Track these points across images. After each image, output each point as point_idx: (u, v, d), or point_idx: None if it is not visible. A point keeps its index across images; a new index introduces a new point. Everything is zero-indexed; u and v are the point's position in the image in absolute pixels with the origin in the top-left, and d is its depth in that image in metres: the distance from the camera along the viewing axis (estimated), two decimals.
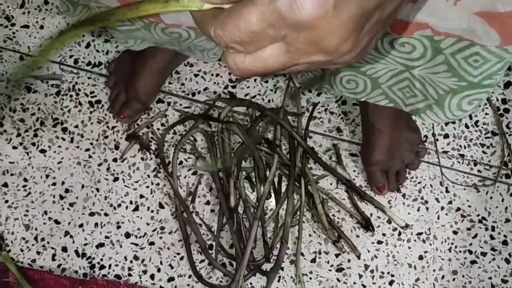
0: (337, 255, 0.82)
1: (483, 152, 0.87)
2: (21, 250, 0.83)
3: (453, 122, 0.88)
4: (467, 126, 0.88)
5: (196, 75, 0.90)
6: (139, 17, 0.29)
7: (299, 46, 0.25)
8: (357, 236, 0.83)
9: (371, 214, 0.84)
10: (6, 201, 0.85)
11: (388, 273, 0.82)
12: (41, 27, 0.92)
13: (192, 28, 0.55)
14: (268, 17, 0.24)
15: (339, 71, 0.55)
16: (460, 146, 0.87)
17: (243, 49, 0.26)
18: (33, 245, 0.83)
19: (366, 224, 0.83)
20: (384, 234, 0.83)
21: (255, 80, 0.89)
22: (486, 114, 0.88)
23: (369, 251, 0.83)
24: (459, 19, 0.41)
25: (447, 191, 0.85)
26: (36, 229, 0.84)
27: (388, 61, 0.50)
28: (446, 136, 0.87)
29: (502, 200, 0.85)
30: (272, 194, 0.83)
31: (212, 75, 0.90)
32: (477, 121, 0.88)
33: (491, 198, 0.85)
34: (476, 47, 0.44)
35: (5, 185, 0.86)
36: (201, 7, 0.28)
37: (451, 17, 0.41)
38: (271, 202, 0.84)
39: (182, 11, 0.28)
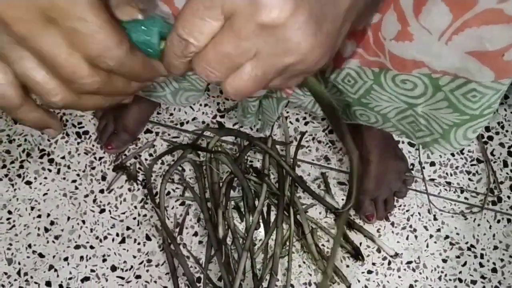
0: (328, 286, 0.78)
1: (469, 179, 0.85)
2: (3, 286, 0.78)
3: None
4: (452, 154, 0.86)
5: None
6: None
7: (269, 50, 0.26)
8: (347, 266, 0.80)
9: (360, 243, 0.80)
10: None
11: None
12: None
13: None
14: (237, 31, 0.25)
15: (351, 105, 0.54)
16: (447, 173, 0.85)
17: (223, 70, 0.27)
18: (15, 280, 0.78)
19: (356, 254, 0.79)
20: (374, 264, 0.80)
21: None
22: (471, 142, 0.86)
23: (359, 281, 0.79)
24: (452, 58, 0.41)
25: (435, 219, 0.83)
26: (19, 263, 0.79)
27: (392, 99, 0.50)
28: (432, 164, 0.85)
29: (490, 227, 0.82)
30: (261, 224, 0.80)
31: (200, 105, 0.87)
32: (462, 149, 0.86)
33: (478, 225, 0.82)
34: (472, 84, 0.43)
35: None
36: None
37: (444, 56, 0.41)
38: (260, 233, 0.80)
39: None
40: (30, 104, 0.29)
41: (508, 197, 0.84)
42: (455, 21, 0.37)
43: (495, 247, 0.81)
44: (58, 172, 0.83)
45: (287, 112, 0.87)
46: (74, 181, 0.83)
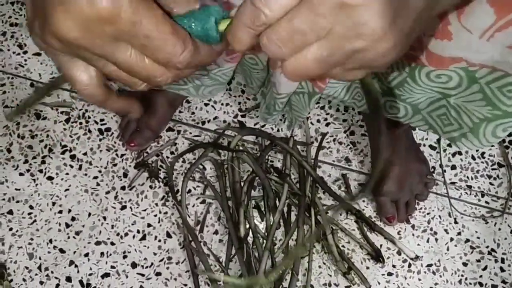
0: (347, 287, 0.77)
1: (490, 183, 0.84)
2: (24, 280, 0.77)
3: (460, 153, 0.85)
4: (473, 158, 0.85)
5: (206, 104, 0.87)
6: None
7: (341, 31, 0.25)
8: (367, 267, 0.79)
9: (381, 245, 0.80)
10: (11, 229, 0.80)
11: None
12: None
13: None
14: (314, 8, 0.24)
15: (382, 95, 0.53)
16: (468, 177, 0.84)
17: (292, 46, 0.26)
18: (36, 274, 0.78)
19: (376, 256, 0.78)
20: (394, 266, 0.79)
21: None
22: (492, 146, 0.86)
23: (379, 283, 0.78)
24: (492, 52, 0.40)
25: (455, 222, 0.82)
26: (40, 258, 0.78)
27: (426, 90, 0.49)
28: (453, 167, 0.84)
29: (511, 232, 0.81)
30: (282, 224, 0.79)
31: (222, 104, 0.87)
32: (483, 153, 0.85)
33: (499, 229, 0.81)
34: (510, 78, 0.43)
35: (10, 212, 0.81)
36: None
37: (484, 51, 0.40)
38: (280, 232, 0.79)
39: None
40: (113, 97, 0.33)
41: None
42: (499, 21, 0.37)
43: None
44: (80, 168, 0.83)
45: (308, 113, 0.86)
46: (95, 177, 0.83)
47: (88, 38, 0.27)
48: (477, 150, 0.85)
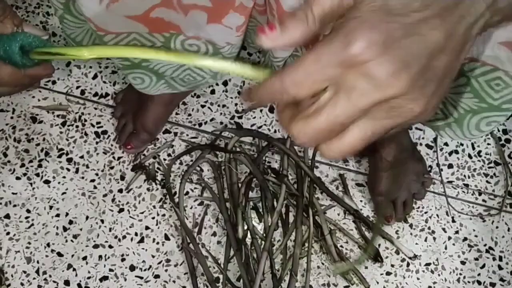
0: (346, 287, 0.77)
1: (487, 181, 0.84)
2: (22, 284, 0.77)
3: (457, 152, 0.85)
4: (470, 156, 0.85)
5: (203, 106, 0.86)
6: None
7: (356, 85, 0.25)
8: (366, 267, 0.79)
9: (379, 245, 0.79)
10: (8, 233, 0.79)
11: None
12: None
13: (210, 42, 0.52)
14: (326, 63, 0.25)
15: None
16: (464, 176, 0.84)
17: (328, 137, 0.27)
18: (34, 278, 0.77)
19: (375, 255, 0.78)
20: (392, 265, 0.79)
21: (261, 110, 0.86)
22: (488, 144, 0.86)
23: (378, 283, 0.78)
24: (483, 47, 0.40)
25: (453, 221, 0.82)
26: (38, 262, 0.78)
27: None
28: (450, 166, 0.84)
29: (508, 230, 0.81)
30: (280, 225, 0.79)
31: (218, 105, 0.87)
32: (479, 151, 0.85)
33: (497, 227, 0.81)
34: (499, 72, 0.43)
35: (7, 216, 0.80)
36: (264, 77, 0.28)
37: (475, 45, 0.40)
38: (278, 233, 0.79)
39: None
40: None
41: None
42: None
43: None
44: (77, 171, 0.83)
45: None
46: (92, 180, 0.82)
47: None
48: (473, 148, 0.85)
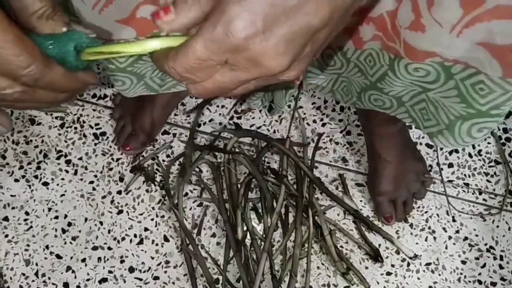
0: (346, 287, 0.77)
1: (487, 181, 0.83)
2: (21, 286, 0.76)
3: (457, 151, 0.84)
4: (470, 155, 0.84)
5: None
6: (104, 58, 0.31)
7: (240, 65, 0.28)
8: (366, 267, 0.78)
9: (379, 245, 0.79)
10: (6, 236, 0.79)
11: None
12: None
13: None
14: (209, 46, 0.27)
15: (367, 89, 0.53)
16: (465, 175, 0.83)
17: (196, 77, 0.28)
18: (33, 281, 0.77)
19: (375, 255, 0.78)
20: (393, 265, 0.78)
21: (260, 111, 0.86)
22: (489, 143, 0.85)
23: (378, 283, 0.77)
24: (463, 48, 0.41)
25: (453, 220, 0.81)
26: (36, 264, 0.77)
27: (406, 83, 0.49)
28: (450, 165, 0.84)
29: (509, 229, 0.81)
30: (279, 226, 0.78)
31: (217, 106, 0.86)
32: (480, 150, 0.85)
33: (497, 226, 0.81)
34: (481, 75, 0.43)
35: (6, 219, 0.80)
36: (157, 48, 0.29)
37: (455, 47, 0.41)
38: (277, 234, 0.78)
39: (141, 54, 0.30)
40: None
41: None
42: (466, 16, 0.37)
43: None
44: (75, 173, 0.82)
45: (304, 114, 0.86)
46: (91, 182, 0.82)
47: None
48: (473, 147, 0.85)
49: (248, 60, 0.27)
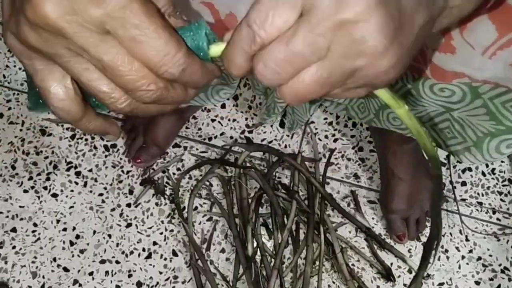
0: None
1: (501, 200, 0.82)
2: None
3: (470, 170, 0.83)
4: (484, 174, 0.83)
5: (213, 120, 0.85)
6: None
7: (341, 51, 0.23)
8: (378, 286, 0.76)
9: (391, 264, 0.77)
10: (14, 247, 0.77)
11: None
12: None
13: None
14: (313, 27, 0.22)
15: (385, 107, 0.52)
16: (478, 194, 0.82)
17: (290, 70, 0.24)
18: None
19: (387, 274, 0.76)
20: (405, 285, 0.76)
21: (271, 125, 0.85)
22: (502, 162, 0.83)
23: None
24: (494, 69, 0.40)
25: (467, 240, 0.79)
26: (43, 277, 0.76)
27: (429, 103, 0.48)
28: (463, 183, 0.82)
29: None
30: (290, 242, 0.76)
31: (229, 120, 0.85)
32: (493, 169, 0.83)
33: None
34: None
35: (14, 230, 0.78)
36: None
37: (487, 68, 0.40)
38: (288, 251, 0.77)
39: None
40: (90, 114, 0.29)
41: None
42: (501, 38, 0.36)
43: None
44: (85, 185, 0.81)
45: (316, 129, 0.85)
46: (100, 194, 0.80)
47: (71, 22, 0.23)
48: (487, 166, 0.83)
49: (354, 42, 0.23)
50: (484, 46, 0.37)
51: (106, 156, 0.82)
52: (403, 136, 0.58)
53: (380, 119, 0.55)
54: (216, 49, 0.28)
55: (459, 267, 0.78)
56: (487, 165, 0.83)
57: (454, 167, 0.83)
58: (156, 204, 0.80)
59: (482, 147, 0.50)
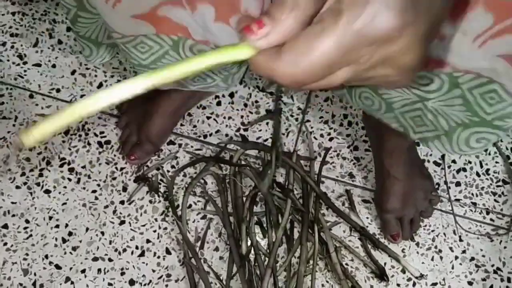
0: None
1: (495, 200, 0.81)
2: None
3: (464, 170, 0.83)
4: (478, 174, 0.83)
5: (208, 118, 0.84)
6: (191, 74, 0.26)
7: (371, 63, 0.23)
8: (371, 286, 0.76)
9: (385, 263, 0.77)
10: (5, 244, 0.76)
11: None
12: (53, 65, 0.87)
13: (218, 46, 0.50)
14: (346, 41, 0.22)
15: (360, 86, 0.51)
16: (472, 194, 0.82)
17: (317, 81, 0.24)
18: None
19: (380, 274, 0.75)
20: (398, 285, 0.76)
21: (267, 123, 0.84)
22: (497, 162, 0.83)
23: None
24: (481, 59, 0.39)
25: (460, 240, 0.79)
26: (35, 274, 0.75)
27: (404, 90, 0.47)
28: (458, 184, 0.82)
29: None
30: (284, 241, 0.76)
31: (224, 117, 0.84)
32: (488, 170, 0.83)
33: (505, 247, 0.79)
34: (494, 85, 0.41)
35: (5, 226, 0.77)
36: (251, 55, 0.24)
37: (473, 58, 0.39)
38: (282, 250, 0.76)
39: (233, 62, 0.25)
40: None
41: None
42: (495, 25, 0.35)
43: None
44: (78, 181, 0.80)
45: (311, 128, 0.84)
46: (94, 191, 0.79)
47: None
48: (481, 166, 0.83)
49: (385, 58, 0.23)
50: (476, 33, 0.36)
51: (100, 153, 0.81)
52: (400, 135, 0.58)
53: (352, 95, 0.54)
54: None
55: (452, 267, 0.78)
56: (481, 166, 0.83)
57: (449, 167, 0.83)
58: (150, 201, 0.79)
59: (452, 137, 0.49)
